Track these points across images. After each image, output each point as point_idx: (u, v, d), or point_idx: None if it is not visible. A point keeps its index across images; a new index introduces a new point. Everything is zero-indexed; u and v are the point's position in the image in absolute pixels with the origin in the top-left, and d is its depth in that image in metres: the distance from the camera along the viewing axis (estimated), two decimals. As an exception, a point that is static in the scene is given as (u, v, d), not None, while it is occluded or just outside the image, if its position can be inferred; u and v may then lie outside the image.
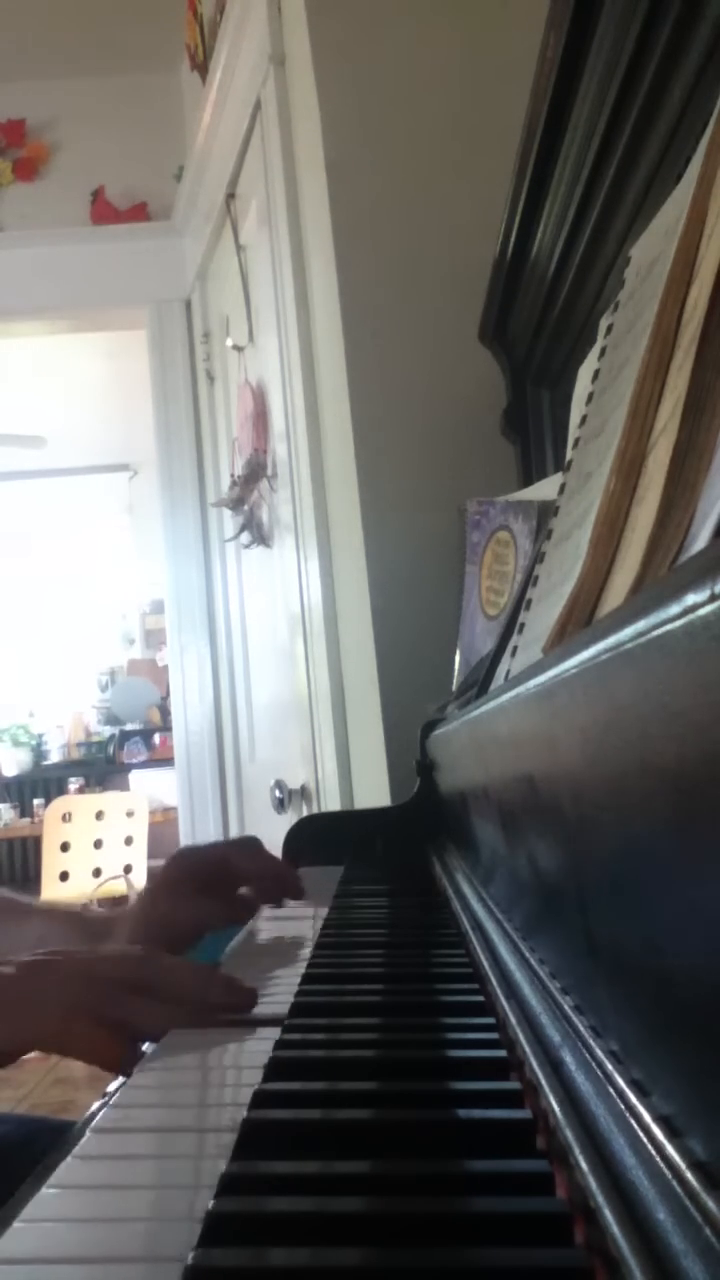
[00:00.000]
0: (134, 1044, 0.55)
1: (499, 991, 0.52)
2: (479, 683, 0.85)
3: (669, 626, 0.24)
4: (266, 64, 1.89)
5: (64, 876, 4.41)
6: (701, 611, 0.22)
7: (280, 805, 2.05)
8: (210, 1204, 0.33)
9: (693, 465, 0.38)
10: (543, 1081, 0.39)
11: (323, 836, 1.24)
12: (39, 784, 5.91)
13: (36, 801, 5.58)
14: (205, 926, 0.83)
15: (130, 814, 4.57)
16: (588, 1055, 0.38)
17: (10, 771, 6.01)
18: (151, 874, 4.17)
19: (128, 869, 4.48)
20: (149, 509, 4.90)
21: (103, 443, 6.07)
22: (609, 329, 0.68)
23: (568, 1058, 0.39)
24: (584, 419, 0.67)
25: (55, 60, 2.91)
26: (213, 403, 2.83)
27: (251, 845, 0.90)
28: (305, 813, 1.91)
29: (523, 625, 0.70)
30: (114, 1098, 0.47)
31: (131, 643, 6.76)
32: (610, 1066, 0.36)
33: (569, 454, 0.72)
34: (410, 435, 1.57)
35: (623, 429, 0.49)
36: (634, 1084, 0.33)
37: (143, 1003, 0.57)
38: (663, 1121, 0.30)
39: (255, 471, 2.20)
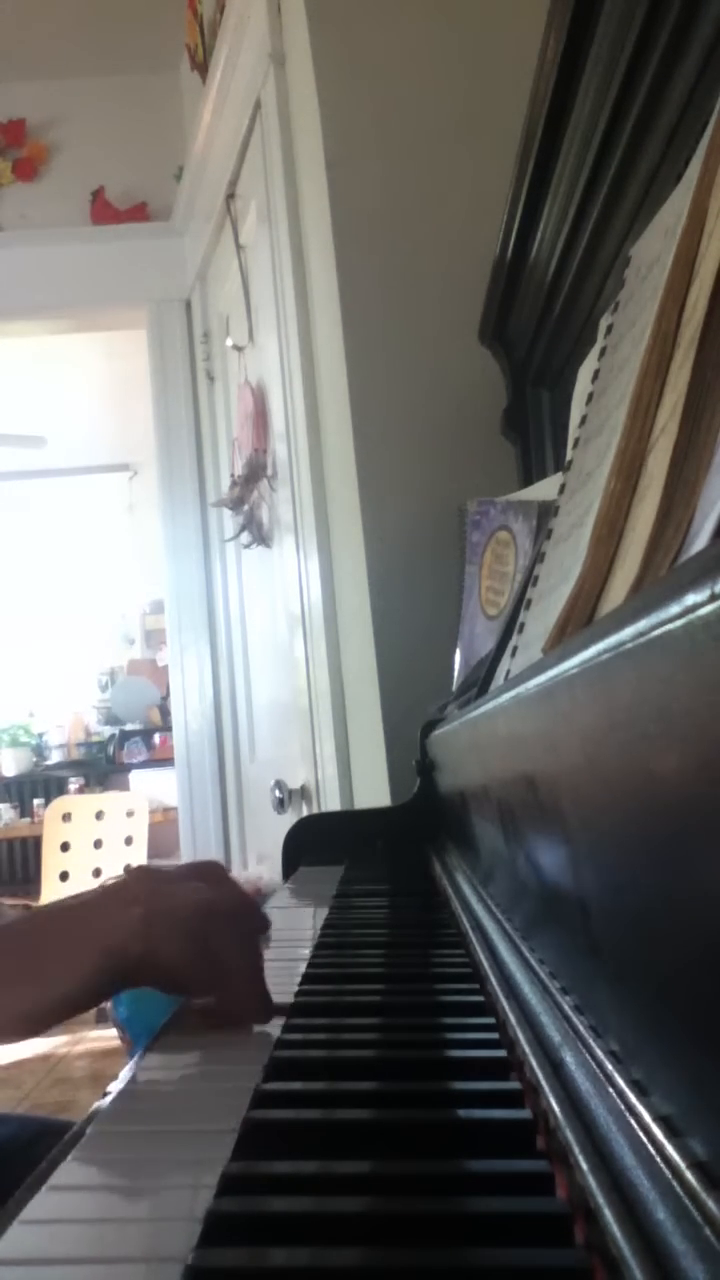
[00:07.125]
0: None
1: (499, 991, 0.52)
2: (479, 683, 0.85)
3: (669, 626, 0.24)
4: (266, 64, 1.89)
5: (64, 876, 4.41)
6: (701, 611, 0.22)
7: (280, 805, 2.04)
8: (210, 1204, 0.33)
9: (693, 465, 0.38)
10: (543, 1081, 0.39)
11: (323, 836, 1.24)
12: (39, 784, 5.90)
13: (36, 801, 5.57)
14: None
15: (130, 814, 4.56)
16: (588, 1055, 0.38)
17: (10, 771, 6.00)
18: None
19: (128, 869, 4.47)
20: (149, 509, 4.89)
21: (103, 443, 6.07)
22: (609, 329, 0.68)
23: (568, 1058, 0.39)
24: (584, 419, 0.67)
25: (55, 60, 2.91)
26: (213, 403, 2.83)
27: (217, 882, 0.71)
28: (305, 813, 1.91)
29: (523, 625, 0.69)
30: (114, 1098, 0.47)
31: (131, 643, 6.75)
32: (610, 1066, 0.36)
33: (569, 454, 0.72)
34: (410, 435, 1.57)
35: (623, 429, 0.49)
36: (634, 1084, 0.33)
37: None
38: (663, 1121, 0.30)
39: (255, 471, 2.20)
